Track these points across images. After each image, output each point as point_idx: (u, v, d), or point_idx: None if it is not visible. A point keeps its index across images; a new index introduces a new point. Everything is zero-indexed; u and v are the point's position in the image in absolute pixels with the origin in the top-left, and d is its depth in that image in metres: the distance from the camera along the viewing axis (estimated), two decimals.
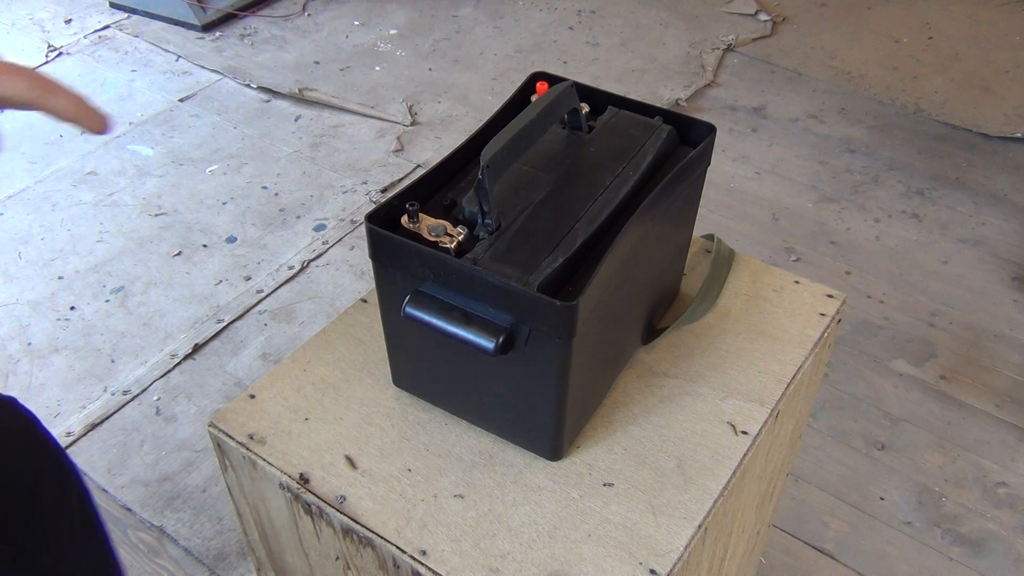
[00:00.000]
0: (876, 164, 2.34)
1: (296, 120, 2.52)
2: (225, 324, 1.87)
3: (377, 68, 2.75)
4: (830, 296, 0.93)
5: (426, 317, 0.69)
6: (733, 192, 2.24)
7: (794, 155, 2.37)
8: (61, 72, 2.70)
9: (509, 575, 0.68)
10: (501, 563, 0.69)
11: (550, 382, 0.69)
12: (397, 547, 0.70)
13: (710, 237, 1.00)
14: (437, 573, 0.68)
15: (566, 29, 2.95)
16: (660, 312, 0.91)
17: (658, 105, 0.86)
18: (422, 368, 0.79)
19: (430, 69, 2.74)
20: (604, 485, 0.74)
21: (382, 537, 0.70)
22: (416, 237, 0.69)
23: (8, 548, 0.82)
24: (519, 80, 0.86)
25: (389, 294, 0.74)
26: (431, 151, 2.39)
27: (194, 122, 2.51)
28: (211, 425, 0.80)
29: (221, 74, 2.71)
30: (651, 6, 3.08)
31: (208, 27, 2.94)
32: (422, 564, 0.69)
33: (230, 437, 0.78)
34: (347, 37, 2.90)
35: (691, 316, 0.90)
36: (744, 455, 0.77)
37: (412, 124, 2.51)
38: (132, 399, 1.72)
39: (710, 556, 0.80)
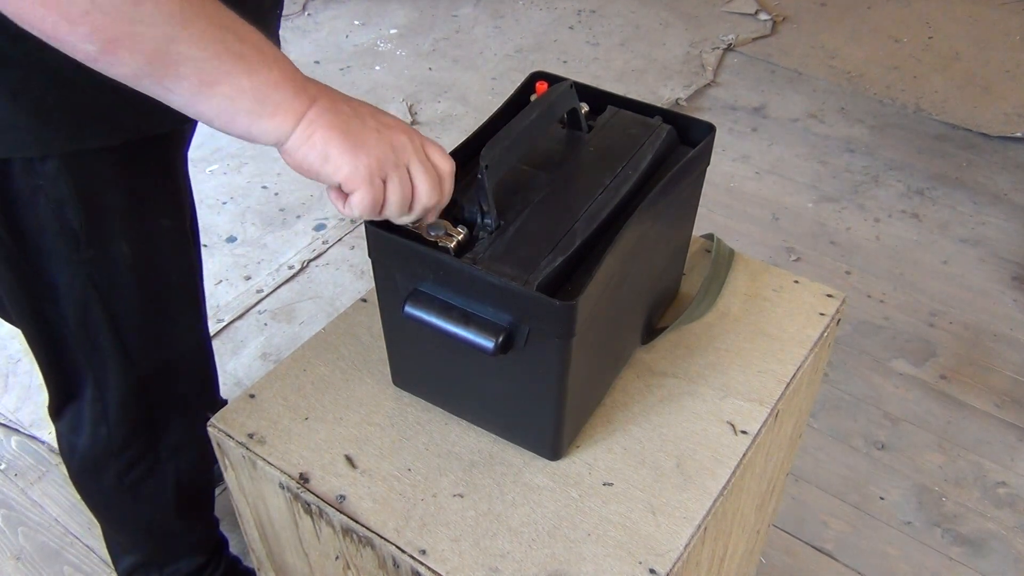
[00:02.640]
0: (876, 164, 2.34)
1: None
2: (225, 324, 1.87)
3: (377, 68, 2.75)
4: (830, 296, 0.93)
5: (426, 317, 0.69)
6: (733, 192, 2.24)
7: (794, 155, 2.37)
8: None
9: (509, 574, 0.68)
10: (501, 562, 0.69)
11: (550, 382, 0.69)
12: (397, 547, 0.70)
13: (710, 237, 1.00)
14: (437, 573, 0.68)
15: (566, 29, 2.95)
16: (660, 312, 0.91)
17: (658, 105, 0.87)
18: (422, 368, 0.79)
19: (430, 69, 2.74)
20: (604, 485, 0.74)
21: (382, 537, 0.70)
22: (416, 237, 0.69)
23: None
24: (519, 80, 0.86)
25: (389, 294, 0.74)
26: None
27: None
28: (211, 425, 0.80)
29: None
30: (651, 6, 3.08)
31: None
32: (422, 564, 0.69)
33: (230, 437, 0.78)
34: (347, 37, 2.90)
35: (691, 316, 0.90)
36: (744, 455, 0.77)
37: (412, 124, 2.50)
38: None
39: (710, 556, 0.80)
